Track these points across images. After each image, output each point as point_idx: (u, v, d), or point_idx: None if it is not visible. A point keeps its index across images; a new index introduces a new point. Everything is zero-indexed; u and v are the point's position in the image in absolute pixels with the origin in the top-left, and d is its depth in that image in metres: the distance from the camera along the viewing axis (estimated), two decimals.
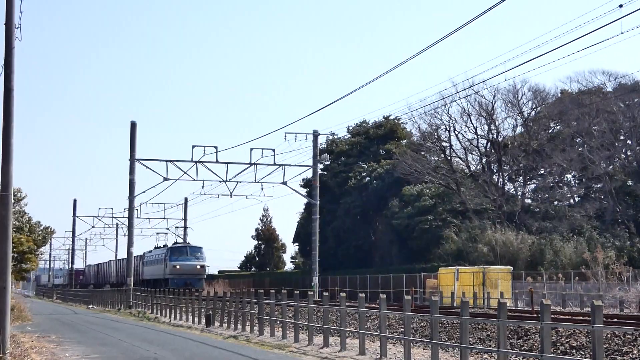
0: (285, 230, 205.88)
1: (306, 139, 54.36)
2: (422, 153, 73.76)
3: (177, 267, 63.08)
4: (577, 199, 68.75)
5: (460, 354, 16.93)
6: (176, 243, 69.16)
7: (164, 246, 72.20)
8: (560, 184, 70.07)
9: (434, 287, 48.76)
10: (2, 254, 19.20)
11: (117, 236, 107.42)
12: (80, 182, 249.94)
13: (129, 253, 57.26)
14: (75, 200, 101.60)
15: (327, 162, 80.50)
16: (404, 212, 68.43)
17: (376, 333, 21.44)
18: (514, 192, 71.50)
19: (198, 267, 63.96)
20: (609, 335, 17.11)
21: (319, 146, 59.02)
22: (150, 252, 74.72)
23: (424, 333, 22.16)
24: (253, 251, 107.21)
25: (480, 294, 44.65)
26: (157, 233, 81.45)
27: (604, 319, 14.30)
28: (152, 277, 69.52)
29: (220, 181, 55.11)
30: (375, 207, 74.87)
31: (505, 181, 71.06)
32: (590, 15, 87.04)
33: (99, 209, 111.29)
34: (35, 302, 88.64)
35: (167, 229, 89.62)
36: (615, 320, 21.43)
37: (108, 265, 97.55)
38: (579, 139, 67.07)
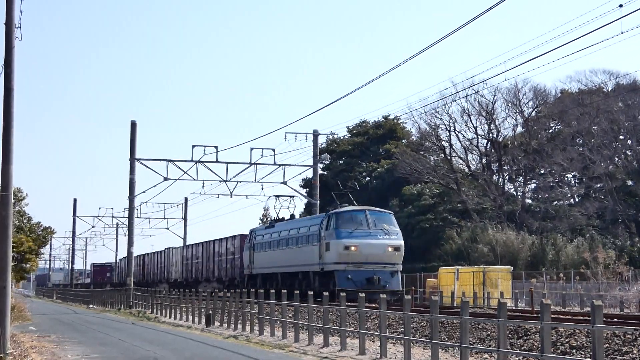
0: None
1: (306, 139, 54.41)
2: (422, 153, 73.78)
3: (353, 248, 35.32)
4: (577, 199, 68.80)
5: (460, 353, 16.92)
6: (342, 205, 39.15)
7: (290, 217, 45.97)
8: (561, 184, 70.12)
9: (434, 287, 48.76)
10: (2, 254, 19.21)
11: (117, 236, 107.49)
12: (80, 182, 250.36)
13: (129, 253, 57.25)
14: (75, 200, 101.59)
15: (327, 162, 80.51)
16: (404, 212, 68.46)
17: (376, 333, 21.43)
18: (514, 192, 71.53)
19: (390, 249, 35.83)
20: (609, 335, 17.09)
21: (319, 146, 59.05)
22: (270, 226, 45.61)
23: (424, 333, 22.15)
24: None
25: (480, 293, 44.63)
26: (278, 196, 47.12)
27: (604, 319, 14.29)
28: (281, 269, 41.65)
29: (220, 181, 55.12)
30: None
31: (506, 181, 71.09)
32: (590, 15, 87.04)
33: (99, 208, 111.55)
34: (35, 302, 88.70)
35: (167, 228, 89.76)
36: (615, 320, 21.42)
37: (164, 256, 71.93)
38: (579, 138, 67.10)
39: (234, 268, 51.51)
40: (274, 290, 29.37)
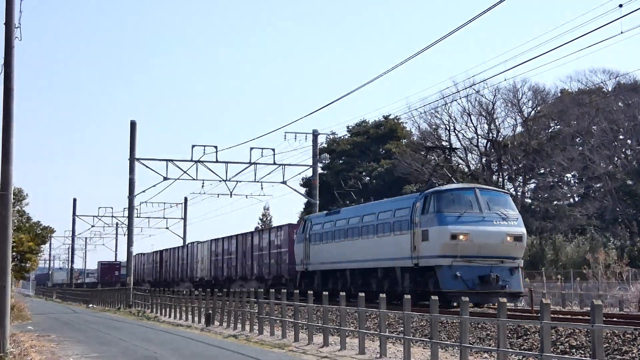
0: None
1: (306, 139, 54.41)
2: (422, 153, 73.81)
3: (462, 237, 27.82)
4: (577, 199, 68.81)
5: (460, 353, 16.93)
6: (441, 183, 31.37)
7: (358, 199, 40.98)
8: (560, 184, 70.12)
9: None
10: (2, 254, 19.22)
11: (117, 235, 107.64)
12: (80, 182, 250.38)
13: (129, 252, 57.22)
14: (75, 200, 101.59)
15: (327, 161, 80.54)
16: None
17: (376, 332, 21.45)
18: (514, 192, 71.53)
19: (509, 238, 28.36)
20: (609, 334, 17.10)
21: (319, 145, 59.06)
22: (334, 212, 38.21)
23: (424, 332, 22.16)
24: None
25: None
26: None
27: (604, 318, 14.29)
28: (351, 264, 33.90)
29: (220, 181, 55.19)
30: None
31: (505, 180, 71.10)
32: (590, 15, 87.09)
33: (99, 208, 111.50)
34: (35, 301, 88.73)
35: (167, 228, 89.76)
36: (615, 319, 21.40)
37: (187, 252, 64.38)
38: (579, 138, 67.11)
39: (280, 264, 44.08)
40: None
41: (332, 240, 36.10)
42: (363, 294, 21.97)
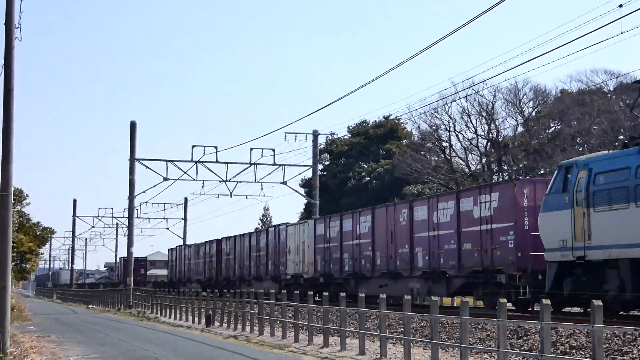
0: None
1: (306, 139, 54.46)
2: (422, 153, 73.80)
3: None
4: None
5: (460, 353, 16.92)
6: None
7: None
8: None
9: None
10: (2, 255, 19.22)
11: (117, 236, 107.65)
12: (80, 182, 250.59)
13: (129, 253, 57.23)
14: (75, 200, 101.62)
15: (327, 162, 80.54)
16: None
17: (376, 333, 21.43)
18: None
19: None
20: (609, 335, 17.09)
21: (319, 146, 59.07)
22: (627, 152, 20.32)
23: (424, 333, 22.14)
24: None
25: None
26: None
27: (604, 319, 14.28)
28: None
29: (220, 181, 55.23)
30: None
31: None
32: (590, 15, 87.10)
33: (99, 209, 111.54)
34: (35, 302, 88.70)
35: (167, 228, 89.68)
36: (615, 320, 21.39)
37: (266, 240, 46.52)
38: (579, 138, 67.10)
39: (490, 250, 25.91)
40: None
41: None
42: (363, 295, 21.91)
